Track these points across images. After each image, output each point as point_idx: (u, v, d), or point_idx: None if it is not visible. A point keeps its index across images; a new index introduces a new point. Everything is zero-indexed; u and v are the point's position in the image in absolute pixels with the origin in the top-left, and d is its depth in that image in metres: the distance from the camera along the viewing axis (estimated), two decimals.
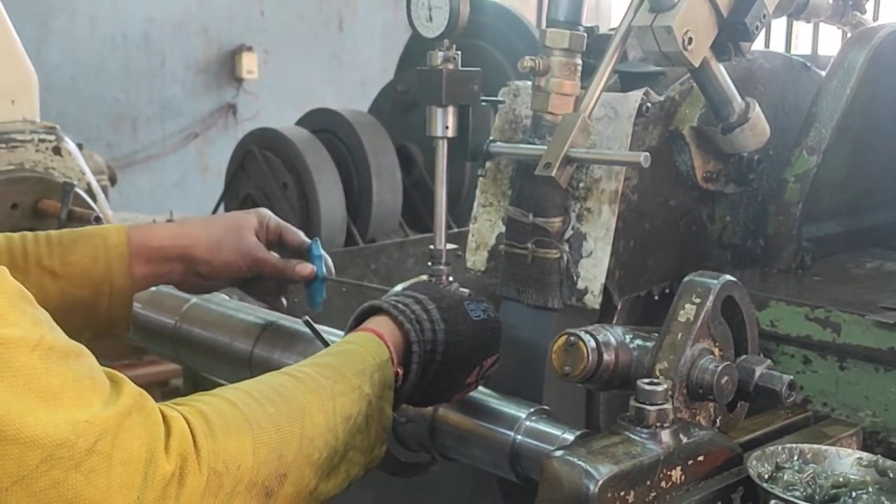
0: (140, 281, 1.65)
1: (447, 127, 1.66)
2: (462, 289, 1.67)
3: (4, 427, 0.94)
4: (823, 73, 1.93)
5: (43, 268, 1.57)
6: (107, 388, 1.05)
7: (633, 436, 1.23)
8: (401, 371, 1.43)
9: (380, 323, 1.45)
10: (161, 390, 4.43)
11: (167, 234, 1.69)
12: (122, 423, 1.02)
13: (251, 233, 1.73)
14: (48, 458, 0.96)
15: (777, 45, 4.19)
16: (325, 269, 1.81)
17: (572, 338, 1.32)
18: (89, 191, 3.34)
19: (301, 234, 1.83)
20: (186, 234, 1.69)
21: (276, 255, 1.78)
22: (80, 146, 3.69)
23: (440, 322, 1.45)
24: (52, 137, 3.33)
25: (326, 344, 1.64)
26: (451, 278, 1.72)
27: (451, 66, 1.64)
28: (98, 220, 3.15)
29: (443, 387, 1.49)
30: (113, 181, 4.25)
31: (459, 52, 1.65)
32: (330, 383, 1.31)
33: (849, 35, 2.05)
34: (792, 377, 1.33)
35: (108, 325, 1.65)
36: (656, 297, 1.72)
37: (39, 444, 0.95)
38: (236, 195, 5.08)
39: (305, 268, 1.77)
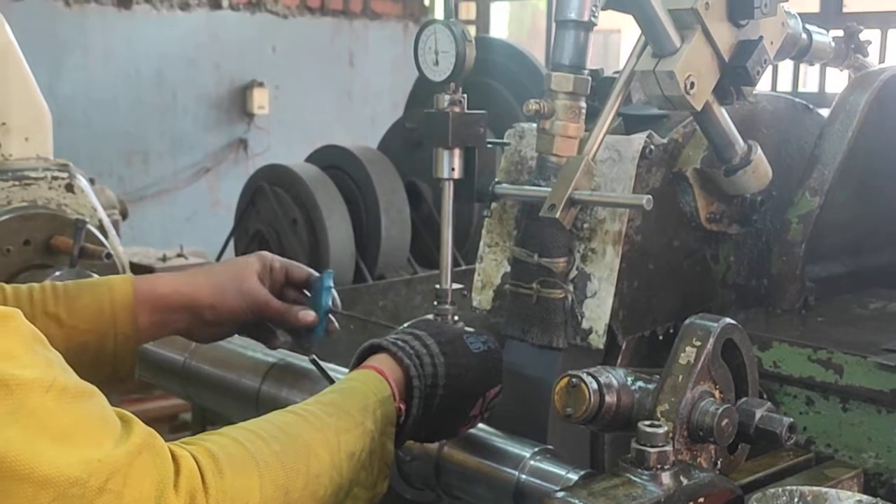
0: (145, 330, 1.65)
1: (453, 169, 1.68)
2: (467, 328, 1.68)
3: (18, 466, 0.96)
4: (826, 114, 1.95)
5: (49, 315, 1.57)
6: (118, 428, 1.07)
7: (633, 477, 1.23)
8: (403, 406, 1.45)
9: (380, 360, 1.47)
10: (170, 424, 4.45)
11: (171, 284, 1.69)
12: (133, 461, 1.04)
13: (254, 277, 1.72)
14: (60, 497, 0.98)
15: (785, 84, 4.23)
16: (330, 302, 1.78)
17: (574, 379, 1.33)
18: (101, 227, 3.37)
19: (308, 270, 1.81)
20: (190, 283, 1.69)
21: (277, 301, 1.75)
22: (91, 181, 3.72)
23: (440, 356, 1.47)
24: (64, 174, 3.36)
25: (332, 382, 1.66)
26: (456, 317, 1.74)
27: (457, 109, 1.66)
28: (109, 256, 3.19)
29: (447, 420, 1.50)
30: (124, 215, 4.29)
31: (465, 95, 1.68)
32: (334, 420, 1.33)
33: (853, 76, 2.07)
34: (792, 420, 1.34)
35: (112, 373, 1.65)
36: (660, 337, 1.74)
37: (52, 482, 0.97)
38: (246, 231, 5.10)
39: (308, 315, 1.75)
